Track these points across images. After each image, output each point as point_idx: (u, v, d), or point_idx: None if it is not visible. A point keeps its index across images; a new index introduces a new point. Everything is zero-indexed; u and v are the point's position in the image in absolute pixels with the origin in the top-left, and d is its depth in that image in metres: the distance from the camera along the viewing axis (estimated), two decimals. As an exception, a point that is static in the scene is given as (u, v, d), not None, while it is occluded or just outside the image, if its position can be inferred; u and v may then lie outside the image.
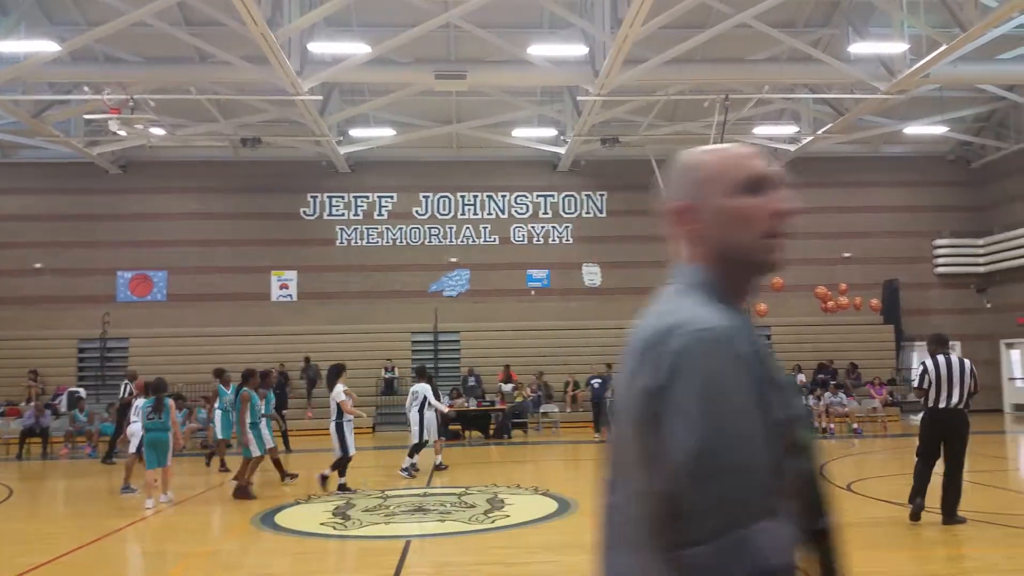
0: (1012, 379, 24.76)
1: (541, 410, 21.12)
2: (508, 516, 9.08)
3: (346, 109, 21.90)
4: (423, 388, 12.82)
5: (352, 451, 11.09)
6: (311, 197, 24.69)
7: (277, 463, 12.17)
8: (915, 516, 8.19)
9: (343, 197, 24.76)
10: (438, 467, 13.07)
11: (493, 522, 8.73)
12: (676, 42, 17.07)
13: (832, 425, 19.28)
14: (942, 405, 8.16)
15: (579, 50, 17.36)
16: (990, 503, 9.39)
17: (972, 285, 25.45)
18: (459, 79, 18.08)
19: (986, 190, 25.49)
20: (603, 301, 24.59)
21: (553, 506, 9.69)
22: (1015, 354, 24.61)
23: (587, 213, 25.18)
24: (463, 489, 11.08)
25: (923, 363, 8.52)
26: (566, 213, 25.14)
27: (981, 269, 25.19)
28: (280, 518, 9.29)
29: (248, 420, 11.16)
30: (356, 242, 24.62)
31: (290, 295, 24.30)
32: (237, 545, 8.11)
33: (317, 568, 7.06)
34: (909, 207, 25.44)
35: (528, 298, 24.70)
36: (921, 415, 8.59)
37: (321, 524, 8.83)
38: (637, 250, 24.61)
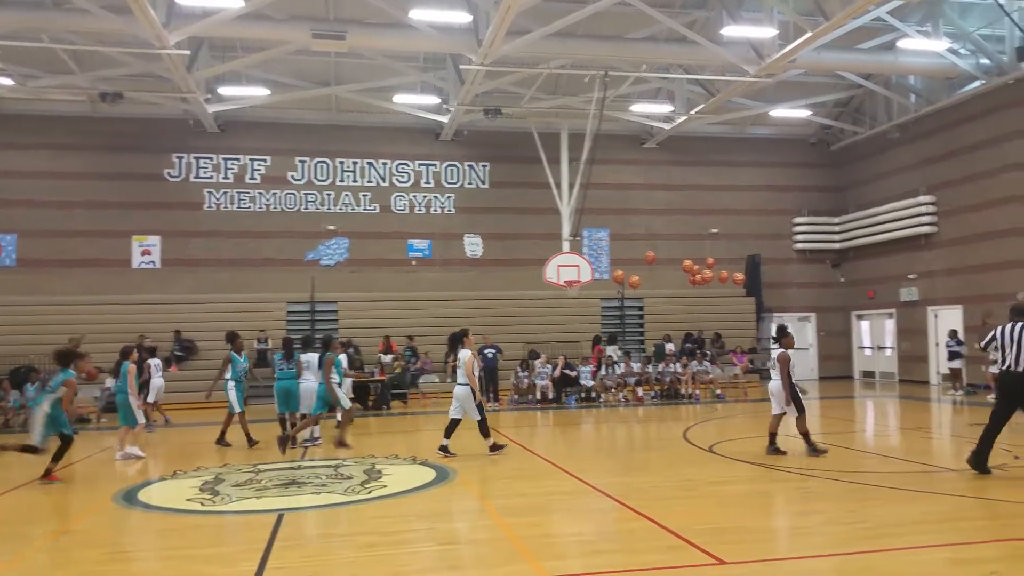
0: (861, 348, 26.68)
1: (420, 381, 21.08)
2: (385, 486, 9.03)
3: (216, 66, 20.84)
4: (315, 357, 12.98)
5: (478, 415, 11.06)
6: (176, 158, 23.47)
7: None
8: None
9: (212, 159, 23.66)
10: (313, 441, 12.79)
11: (370, 493, 8.66)
12: (559, 15, 17.21)
13: (697, 391, 20.19)
14: (1006, 367, 8.95)
15: (462, 17, 17.19)
16: (836, 462, 10.10)
17: (828, 261, 27.17)
18: (338, 40, 17.56)
19: (843, 172, 27.17)
20: (484, 272, 24.72)
21: (431, 475, 9.71)
22: (864, 325, 26.51)
23: (469, 184, 25.14)
24: (339, 461, 10.93)
25: (995, 328, 9.36)
26: (448, 183, 25.01)
27: (836, 246, 26.90)
28: (144, 494, 8.90)
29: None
30: (226, 207, 23.62)
31: (153, 262, 23.10)
32: (96, 523, 7.69)
33: (182, 544, 6.79)
34: (772, 186, 26.81)
35: (409, 268, 24.50)
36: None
37: (188, 500, 8.50)
38: (519, 222, 24.89)
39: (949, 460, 10.00)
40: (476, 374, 11.26)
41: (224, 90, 21.67)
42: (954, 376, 19.75)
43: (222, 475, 9.96)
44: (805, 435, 10.61)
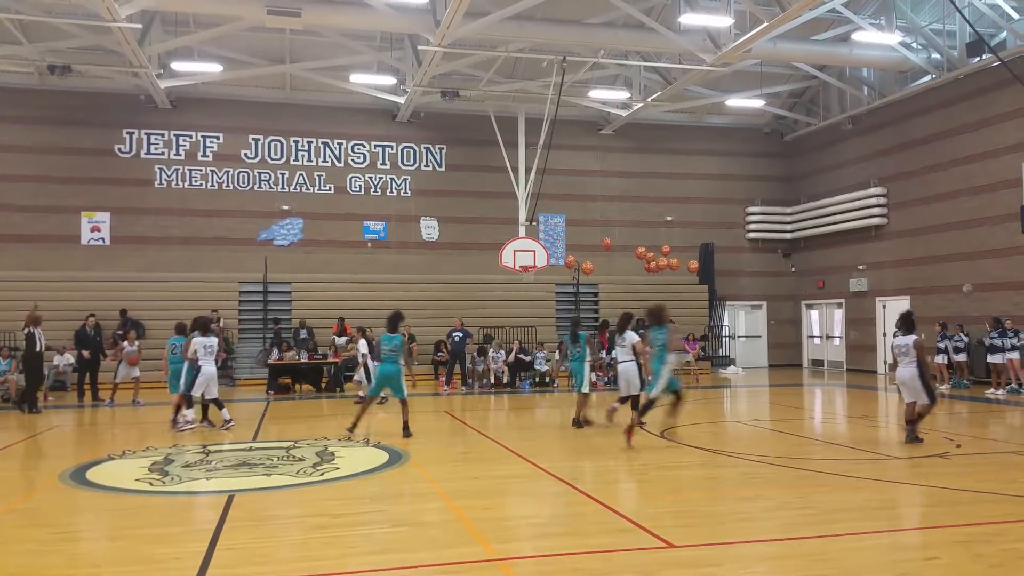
0: (811, 337, 27.22)
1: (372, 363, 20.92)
2: (338, 468, 9.00)
3: (168, 40, 20.37)
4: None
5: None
6: (127, 133, 22.89)
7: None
8: None
9: (163, 135, 23.13)
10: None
11: (322, 475, 8.62)
12: (518, -2, 17.14)
13: (649, 378, 20.36)
14: None
15: (421, -3, 17.03)
16: (786, 448, 10.33)
17: (779, 250, 27.63)
18: (293, 16, 17.26)
19: (795, 162, 27.61)
20: (441, 255, 24.64)
21: (384, 457, 9.70)
22: (814, 314, 27.05)
23: (426, 166, 24.98)
24: (292, 443, 10.86)
25: None
26: (404, 165, 24.83)
27: (788, 236, 27.37)
28: (92, 474, 8.74)
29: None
30: (177, 184, 23.14)
31: (102, 239, 22.56)
32: (42, 502, 7.54)
33: (130, 524, 6.69)
34: (726, 175, 27.14)
35: (364, 250, 24.31)
36: None
37: (136, 480, 8.38)
38: (475, 205, 24.83)
39: (894, 448, 10.28)
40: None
41: (176, 65, 21.16)
42: (900, 365, 20.21)
43: (172, 456, 9.83)
44: (918, 419, 10.41)
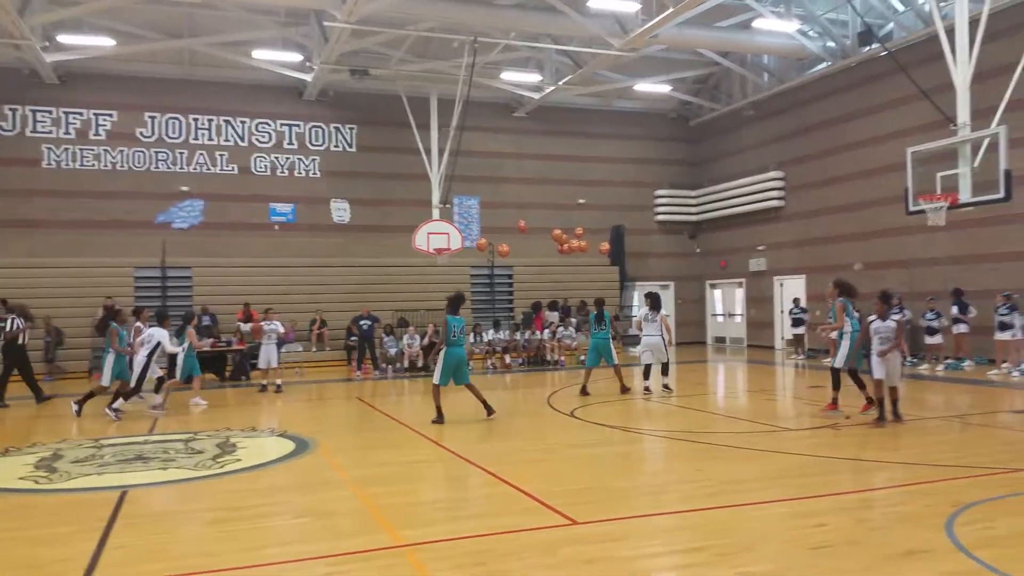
0: (714, 315, 28.04)
1: (283, 350, 20.42)
2: (239, 460, 8.73)
3: (54, 11, 19.19)
4: (159, 333, 12.58)
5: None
6: (9, 110, 21.53)
7: None
8: None
9: (51, 112, 21.84)
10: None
11: (222, 467, 8.34)
12: (426, -24, 16.88)
13: (562, 357, 20.65)
14: None
15: (325, -27, 16.58)
16: (688, 423, 10.58)
17: (685, 232, 28.28)
18: (191, -10, 16.52)
19: (700, 147, 28.27)
20: (352, 238, 24.18)
21: (290, 447, 9.47)
22: (717, 293, 27.85)
23: (336, 146, 24.43)
24: (191, 435, 10.48)
25: None
26: (313, 145, 24.21)
27: (693, 218, 28.04)
28: (-31, 474, 8.22)
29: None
30: (67, 164, 21.92)
31: (-17, 223, 21.18)
32: (-89, 508, 7.04)
33: (12, 526, 6.31)
34: (636, 159, 27.57)
35: (272, 233, 23.63)
36: None
37: (20, 479, 7.93)
38: (387, 187, 24.46)
39: (790, 420, 10.67)
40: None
41: (64, 38, 19.97)
42: (796, 341, 21.10)
43: (61, 451, 9.35)
44: (879, 400, 10.10)
